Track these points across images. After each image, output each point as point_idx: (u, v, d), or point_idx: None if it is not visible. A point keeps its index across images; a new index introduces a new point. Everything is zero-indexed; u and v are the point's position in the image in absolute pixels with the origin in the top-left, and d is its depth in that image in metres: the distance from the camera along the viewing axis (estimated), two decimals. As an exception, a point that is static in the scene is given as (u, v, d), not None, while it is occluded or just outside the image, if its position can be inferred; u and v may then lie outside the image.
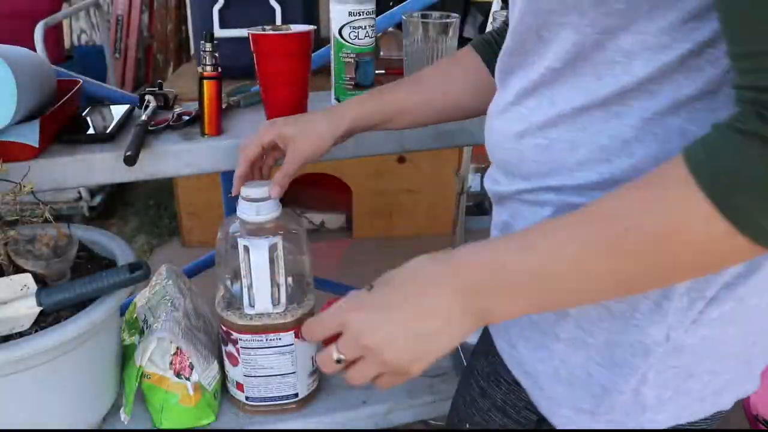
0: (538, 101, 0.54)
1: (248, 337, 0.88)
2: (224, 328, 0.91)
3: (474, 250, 0.48)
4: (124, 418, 0.90)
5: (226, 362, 0.93)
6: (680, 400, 0.55)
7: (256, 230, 0.85)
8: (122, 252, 0.90)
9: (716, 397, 0.57)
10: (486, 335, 0.70)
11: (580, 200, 0.49)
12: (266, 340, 0.89)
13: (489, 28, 1.24)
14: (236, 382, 0.93)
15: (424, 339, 0.48)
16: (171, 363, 0.90)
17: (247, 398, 0.93)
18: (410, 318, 0.48)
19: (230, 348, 0.91)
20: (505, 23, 0.64)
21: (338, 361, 0.50)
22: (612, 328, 0.53)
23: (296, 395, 0.94)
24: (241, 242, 0.83)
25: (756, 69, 0.38)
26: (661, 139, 0.48)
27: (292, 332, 0.89)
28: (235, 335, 0.89)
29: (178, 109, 1.02)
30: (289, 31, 0.92)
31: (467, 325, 0.48)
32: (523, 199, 0.57)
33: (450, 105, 0.81)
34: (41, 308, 0.77)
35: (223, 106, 1.00)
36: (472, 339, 0.97)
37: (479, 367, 0.70)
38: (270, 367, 0.91)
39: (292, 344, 0.90)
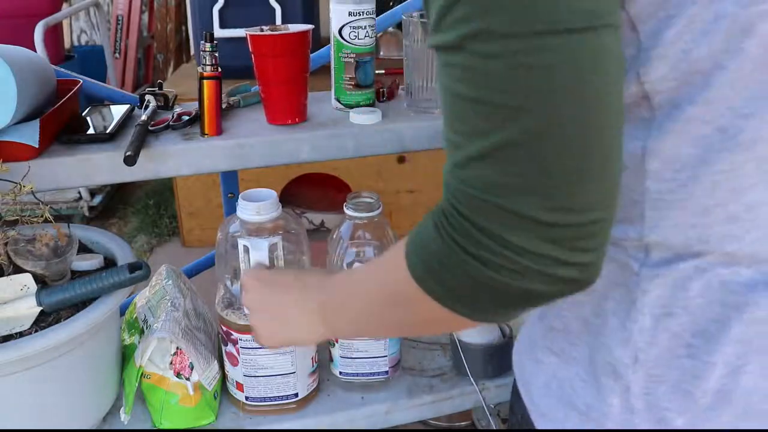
0: None
1: (248, 337, 0.88)
2: (224, 328, 0.91)
3: (327, 286, 0.62)
4: (124, 418, 0.90)
5: (226, 362, 0.93)
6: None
7: (256, 230, 0.85)
8: (122, 252, 0.90)
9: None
10: None
11: None
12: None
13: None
14: (236, 381, 0.93)
15: (283, 328, 0.65)
16: (171, 363, 0.90)
17: (247, 398, 0.93)
18: (281, 306, 0.65)
19: (230, 348, 0.91)
20: None
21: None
22: (591, 343, 0.53)
23: (296, 395, 0.94)
24: (241, 242, 0.83)
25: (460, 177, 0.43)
26: None
27: None
28: (235, 335, 0.89)
29: (178, 109, 1.02)
30: (287, 31, 0.92)
31: (314, 333, 0.62)
32: None
33: None
34: (41, 308, 0.77)
35: (223, 106, 1.00)
36: (477, 340, 0.98)
37: (514, 384, 0.69)
38: (270, 367, 0.91)
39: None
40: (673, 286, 0.48)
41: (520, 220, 0.40)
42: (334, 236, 0.95)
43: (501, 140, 0.39)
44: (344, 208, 0.92)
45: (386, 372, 0.98)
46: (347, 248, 0.93)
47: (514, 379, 0.66)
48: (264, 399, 0.93)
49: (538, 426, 0.58)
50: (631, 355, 0.50)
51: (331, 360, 0.98)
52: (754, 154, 0.44)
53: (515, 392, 0.65)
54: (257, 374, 0.91)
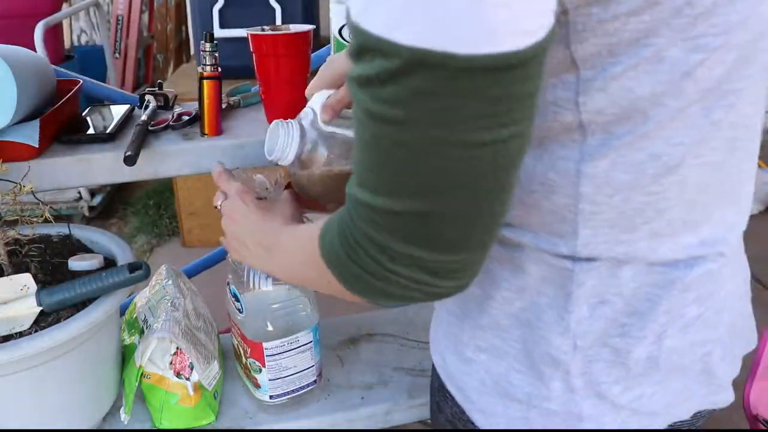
0: None
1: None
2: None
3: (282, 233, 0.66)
4: (124, 418, 0.90)
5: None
6: (621, 413, 0.54)
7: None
8: (122, 252, 0.90)
9: (673, 410, 0.56)
10: None
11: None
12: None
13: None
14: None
15: (242, 249, 0.71)
16: (171, 363, 0.90)
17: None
18: (248, 233, 0.70)
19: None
20: None
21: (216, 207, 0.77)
22: (524, 337, 0.55)
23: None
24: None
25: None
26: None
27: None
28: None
29: (178, 109, 1.02)
30: (288, 31, 0.92)
31: (262, 264, 0.70)
32: None
33: None
34: (41, 308, 0.77)
35: (223, 106, 1.00)
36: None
37: (433, 382, 0.70)
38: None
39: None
40: (606, 276, 0.51)
41: (404, 257, 0.44)
42: None
43: (398, 206, 0.42)
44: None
45: (314, 381, 0.96)
46: None
47: (432, 378, 0.69)
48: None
49: (479, 423, 0.60)
50: (570, 343, 0.53)
51: (258, 387, 0.93)
52: (678, 176, 0.48)
53: (439, 392, 0.66)
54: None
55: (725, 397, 0.59)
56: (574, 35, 0.43)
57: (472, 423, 0.61)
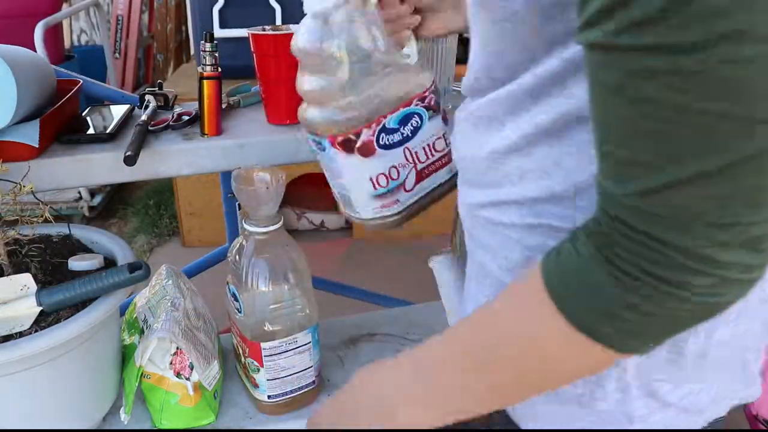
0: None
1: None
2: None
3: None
4: (124, 418, 0.90)
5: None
6: (669, 412, 0.53)
7: None
8: (122, 252, 0.90)
9: (715, 407, 0.55)
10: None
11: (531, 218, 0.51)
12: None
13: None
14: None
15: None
16: (171, 363, 0.90)
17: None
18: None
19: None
20: None
21: None
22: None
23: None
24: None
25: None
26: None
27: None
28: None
29: (178, 109, 1.03)
30: (289, 32, 0.92)
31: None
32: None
33: None
34: (41, 308, 0.77)
35: (223, 106, 1.00)
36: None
37: None
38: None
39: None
40: None
41: (727, 229, 0.37)
42: (237, 256, 0.90)
43: (731, 158, 0.35)
44: (244, 224, 0.87)
45: (313, 382, 0.96)
46: (253, 263, 0.88)
47: None
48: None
49: (522, 423, 0.59)
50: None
51: (256, 386, 0.93)
52: None
53: None
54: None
55: (755, 391, 0.57)
56: None
57: (510, 419, 0.60)
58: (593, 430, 0.55)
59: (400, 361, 0.58)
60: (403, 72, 0.72)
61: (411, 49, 0.73)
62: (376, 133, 0.72)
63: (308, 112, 0.72)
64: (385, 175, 0.74)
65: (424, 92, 0.74)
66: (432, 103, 0.75)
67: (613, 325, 0.40)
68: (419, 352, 0.56)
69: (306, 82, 0.70)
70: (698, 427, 0.55)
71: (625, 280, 0.39)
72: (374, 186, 0.74)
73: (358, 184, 0.74)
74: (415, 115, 0.74)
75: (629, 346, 0.42)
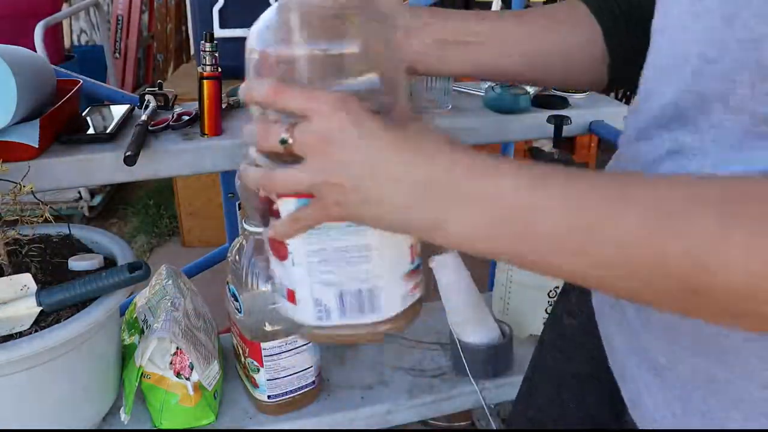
0: None
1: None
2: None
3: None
4: (124, 418, 0.90)
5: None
6: None
7: None
8: (122, 252, 0.90)
9: None
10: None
11: None
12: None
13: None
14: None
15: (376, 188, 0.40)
16: (171, 363, 0.90)
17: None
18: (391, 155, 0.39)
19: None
20: None
21: (282, 141, 0.41)
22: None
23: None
24: None
25: None
26: None
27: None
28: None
29: (178, 109, 1.03)
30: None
31: (420, 220, 0.40)
32: None
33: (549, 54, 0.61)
34: (41, 308, 0.77)
35: (223, 106, 1.00)
36: (477, 340, 0.98)
37: (573, 368, 0.63)
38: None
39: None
40: None
41: None
42: (237, 256, 0.90)
43: None
44: (244, 224, 0.87)
45: (313, 382, 0.96)
46: (253, 263, 0.88)
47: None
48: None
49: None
50: None
51: (256, 386, 0.93)
52: None
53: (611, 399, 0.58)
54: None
55: None
56: None
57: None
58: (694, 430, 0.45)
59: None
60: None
61: None
62: None
63: None
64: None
65: None
66: None
67: None
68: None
69: None
70: None
71: None
72: (411, 256, 0.48)
73: (391, 253, 0.46)
74: None
75: None
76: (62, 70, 1.07)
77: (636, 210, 0.35)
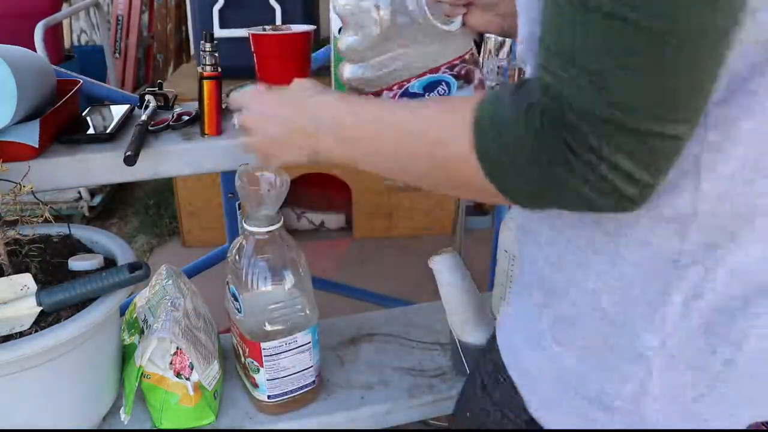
0: None
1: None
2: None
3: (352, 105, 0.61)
4: (124, 418, 0.90)
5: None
6: (690, 422, 0.52)
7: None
8: (122, 252, 0.90)
9: (738, 419, 0.53)
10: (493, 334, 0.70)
11: None
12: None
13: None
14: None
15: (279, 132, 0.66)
16: (171, 363, 0.90)
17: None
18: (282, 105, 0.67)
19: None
20: None
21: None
22: (608, 333, 0.54)
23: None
24: None
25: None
26: None
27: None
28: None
29: (178, 109, 1.03)
30: (289, 32, 0.92)
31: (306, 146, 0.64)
32: None
33: None
34: (41, 308, 0.77)
35: (223, 106, 1.00)
36: (477, 340, 0.98)
37: (483, 364, 0.70)
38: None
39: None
40: (705, 271, 0.50)
41: (615, 128, 0.42)
42: (237, 256, 0.90)
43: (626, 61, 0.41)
44: (244, 224, 0.87)
45: (313, 382, 0.96)
46: (253, 263, 0.88)
47: (483, 358, 0.69)
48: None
49: (534, 411, 0.60)
50: (659, 340, 0.51)
51: (256, 386, 0.94)
52: None
53: (493, 373, 0.65)
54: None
55: None
56: None
57: (525, 411, 0.60)
58: (614, 430, 0.54)
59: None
60: (443, 39, 0.70)
61: (456, 21, 0.71)
62: (398, 96, 0.70)
63: (342, 68, 0.72)
64: None
65: (454, 60, 0.72)
66: (462, 72, 0.73)
67: (507, 169, 0.47)
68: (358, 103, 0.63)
69: (342, 41, 0.71)
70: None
71: (536, 141, 0.44)
72: None
73: None
74: (443, 83, 0.71)
75: (511, 191, 0.48)
76: (62, 70, 1.07)
77: (405, 110, 0.56)
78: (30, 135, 0.84)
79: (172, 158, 0.91)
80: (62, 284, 0.80)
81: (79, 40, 3.59)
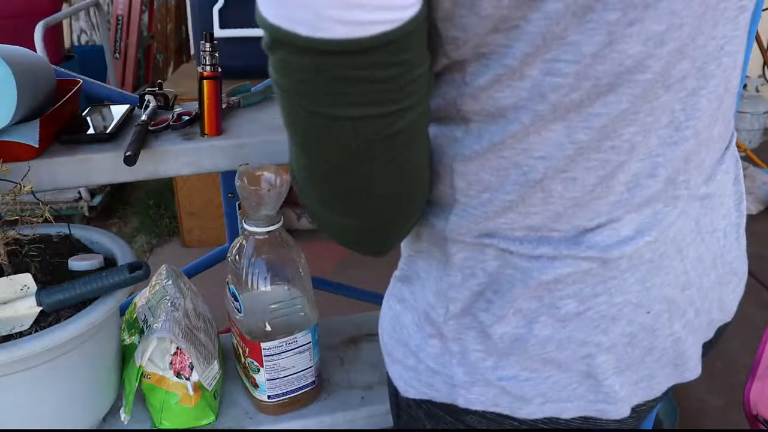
0: None
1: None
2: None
3: None
4: (124, 418, 0.90)
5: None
6: (492, 390, 0.56)
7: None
8: (122, 252, 0.90)
9: (550, 405, 0.55)
10: None
11: None
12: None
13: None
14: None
15: None
16: (171, 363, 0.90)
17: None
18: None
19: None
20: None
21: None
22: (419, 293, 0.60)
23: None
24: None
25: None
26: None
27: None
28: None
29: (178, 109, 1.03)
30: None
31: None
32: None
33: None
34: (41, 308, 0.77)
35: (223, 106, 1.00)
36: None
37: None
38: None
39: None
40: (473, 252, 0.54)
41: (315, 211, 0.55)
42: (237, 256, 0.90)
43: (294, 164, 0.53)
44: (244, 224, 0.87)
45: (313, 382, 0.96)
46: (252, 263, 0.88)
47: None
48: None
49: (387, 366, 0.65)
50: (443, 306, 0.57)
51: (256, 386, 0.94)
52: (541, 187, 0.50)
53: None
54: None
55: (616, 412, 0.56)
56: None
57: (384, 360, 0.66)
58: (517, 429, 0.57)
59: None
60: None
61: None
62: None
63: None
64: None
65: None
66: None
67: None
68: None
69: None
70: (534, 417, 0.57)
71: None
72: None
73: None
74: None
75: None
76: (62, 70, 1.07)
77: None
78: (30, 135, 0.84)
79: (172, 158, 0.91)
80: (62, 284, 0.80)
81: (79, 40, 3.59)
